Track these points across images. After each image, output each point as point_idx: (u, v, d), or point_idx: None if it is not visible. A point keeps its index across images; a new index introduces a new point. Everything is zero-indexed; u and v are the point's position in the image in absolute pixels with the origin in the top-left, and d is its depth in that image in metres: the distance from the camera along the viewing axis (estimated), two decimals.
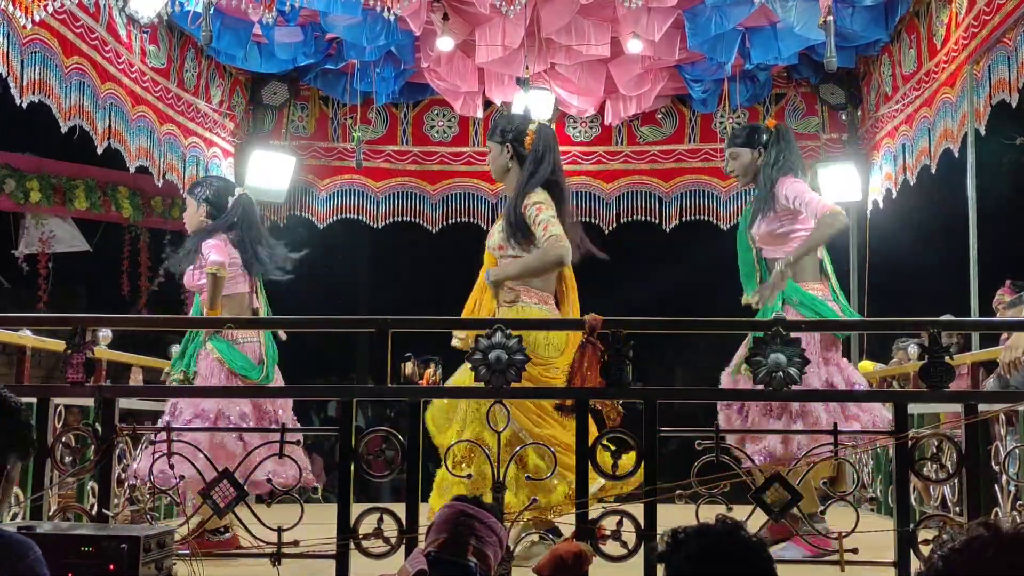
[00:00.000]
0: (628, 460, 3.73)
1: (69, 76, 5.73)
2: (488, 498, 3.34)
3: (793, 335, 3.56)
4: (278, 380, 5.01)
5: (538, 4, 7.27)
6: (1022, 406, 4.41)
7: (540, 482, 3.97)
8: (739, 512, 2.97)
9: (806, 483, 3.97)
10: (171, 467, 3.64)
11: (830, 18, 5.28)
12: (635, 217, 8.96)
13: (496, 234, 4.55)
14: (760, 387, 3.57)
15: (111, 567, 2.72)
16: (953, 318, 6.04)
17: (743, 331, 4.50)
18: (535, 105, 8.01)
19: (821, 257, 4.65)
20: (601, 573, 3.34)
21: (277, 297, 5.46)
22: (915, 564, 3.37)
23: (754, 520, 3.23)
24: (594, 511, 3.47)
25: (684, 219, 8.96)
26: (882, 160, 8.10)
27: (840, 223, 4.44)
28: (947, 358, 3.51)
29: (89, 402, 4.32)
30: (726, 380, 4.59)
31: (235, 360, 4.82)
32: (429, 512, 3.99)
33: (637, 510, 3.44)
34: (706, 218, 8.94)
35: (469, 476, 4.06)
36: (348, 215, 9.03)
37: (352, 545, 3.47)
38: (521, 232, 4.40)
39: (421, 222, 9.04)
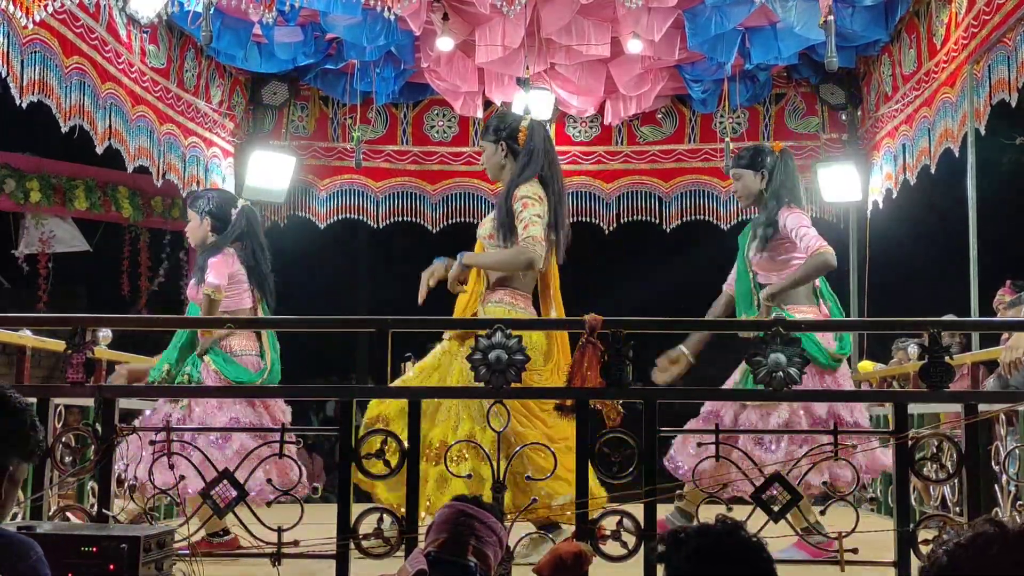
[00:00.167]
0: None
1: (69, 76, 5.73)
2: (484, 496, 3.35)
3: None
4: (280, 405, 5.02)
5: (538, 4, 7.27)
6: (1022, 406, 4.41)
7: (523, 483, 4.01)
8: (739, 512, 2.97)
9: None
10: (171, 467, 3.64)
11: (830, 18, 5.28)
12: (635, 217, 8.96)
13: (487, 223, 4.62)
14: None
15: (111, 567, 2.72)
16: (955, 318, 6.05)
17: (743, 331, 4.51)
18: (535, 105, 8.01)
19: (817, 283, 4.69)
20: (601, 573, 3.34)
21: (277, 296, 5.46)
22: (915, 564, 3.37)
23: (754, 520, 3.23)
24: (594, 511, 3.47)
25: (684, 219, 8.96)
26: (882, 160, 8.10)
27: (827, 265, 4.49)
28: (947, 358, 3.51)
29: (89, 402, 4.32)
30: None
31: (231, 372, 4.82)
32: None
33: (637, 510, 3.44)
34: (706, 218, 8.94)
35: (469, 476, 4.08)
36: (348, 215, 9.03)
37: (352, 545, 3.47)
38: (506, 226, 4.45)
39: (421, 222, 9.04)
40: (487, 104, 8.63)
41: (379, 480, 3.84)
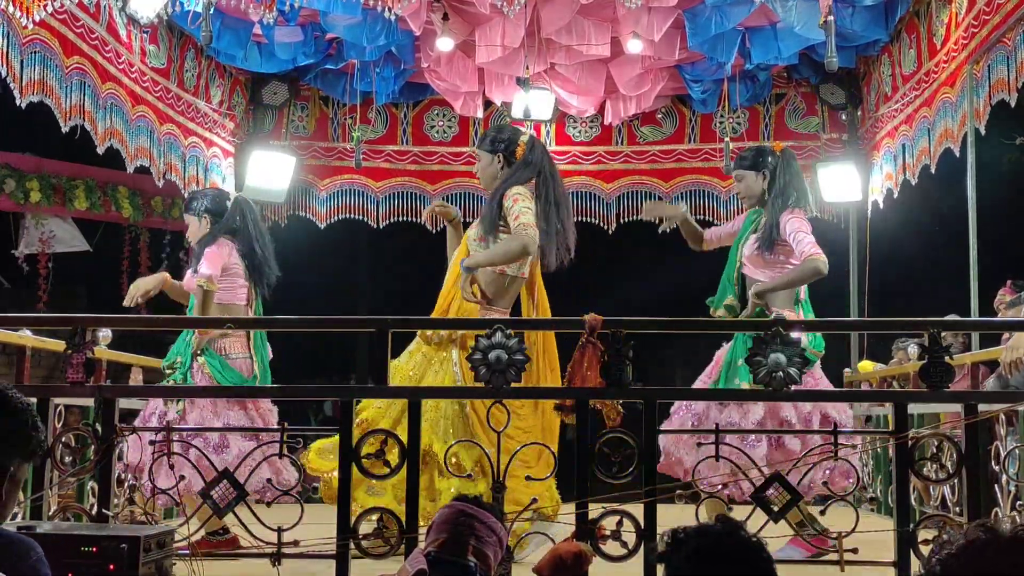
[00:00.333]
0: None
1: (69, 76, 5.73)
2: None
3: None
4: (267, 404, 5.03)
5: (538, 4, 7.27)
6: (1022, 406, 4.41)
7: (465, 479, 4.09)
8: (739, 512, 2.97)
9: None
10: (171, 467, 3.64)
11: (830, 18, 5.28)
12: (635, 217, 8.95)
13: (475, 226, 4.64)
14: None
15: (111, 567, 2.72)
16: (957, 318, 6.05)
17: (743, 331, 4.52)
18: (535, 105, 8.01)
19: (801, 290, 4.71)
20: (601, 573, 3.34)
21: (277, 296, 5.46)
22: (915, 564, 3.37)
23: (754, 520, 3.23)
24: (594, 511, 3.47)
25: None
26: (882, 160, 8.10)
27: (818, 272, 4.50)
28: (947, 358, 3.51)
29: (89, 402, 4.32)
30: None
31: (226, 376, 4.82)
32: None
33: (637, 510, 3.44)
34: (706, 218, 8.93)
35: (470, 475, 4.09)
36: (348, 215, 9.03)
37: (352, 545, 3.47)
38: (492, 222, 4.47)
39: (421, 222, 9.03)
40: (487, 104, 8.64)
41: (379, 480, 3.85)
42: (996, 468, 4.57)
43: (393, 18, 6.60)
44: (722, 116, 8.53)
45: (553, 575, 2.94)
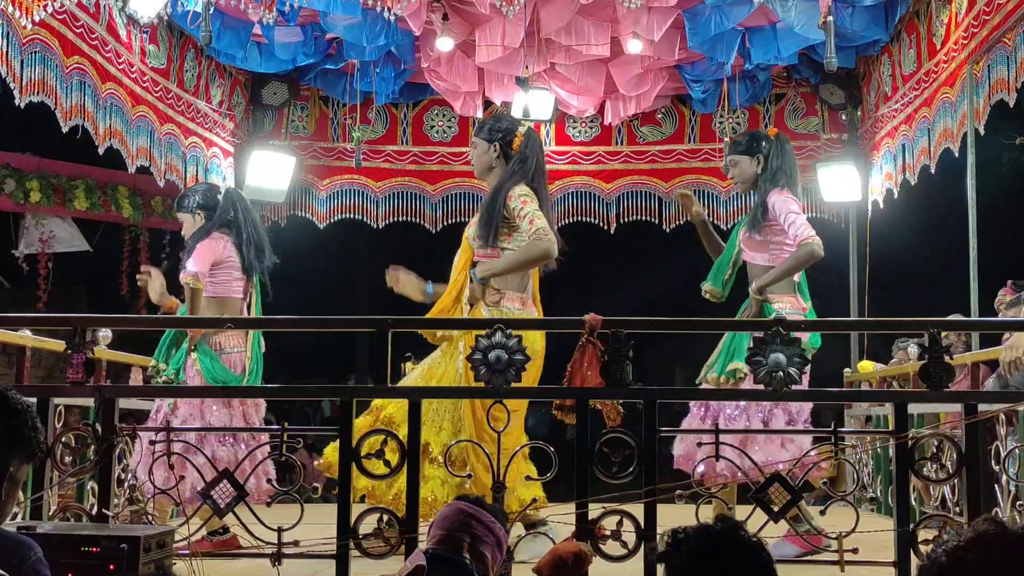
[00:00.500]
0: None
1: (69, 76, 5.73)
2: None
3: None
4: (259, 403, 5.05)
5: (538, 4, 7.27)
6: (1022, 406, 4.41)
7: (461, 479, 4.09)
8: (739, 512, 2.97)
9: None
10: (171, 467, 3.64)
11: (830, 18, 5.28)
12: (635, 217, 8.95)
13: (474, 225, 4.60)
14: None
15: (111, 567, 2.71)
16: (960, 318, 6.05)
17: (743, 331, 4.52)
18: (535, 105, 8.01)
19: (796, 276, 4.73)
20: (601, 573, 3.34)
21: (277, 296, 5.46)
22: (915, 564, 3.37)
23: (754, 520, 3.23)
24: (594, 511, 3.47)
25: (684, 219, 8.94)
26: (882, 160, 8.10)
27: (813, 256, 4.54)
28: (947, 358, 3.51)
29: (89, 402, 4.32)
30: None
31: (216, 373, 4.82)
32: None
33: (637, 510, 3.44)
34: (707, 218, 8.93)
35: (470, 476, 4.09)
36: (348, 215, 9.03)
37: (352, 545, 3.47)
38: (495, 221, 4.44)
39: (421, 222, 9.04)
40: (487, 104, 8.63)
41: (379, 479, 3.85)
42: (996, 468, 4.57)
43: (393, 18, 6.60)
44: (722, 116, 8.53)
45: (553, 575, 2.94)
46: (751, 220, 4.73)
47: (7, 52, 5.09)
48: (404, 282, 4.76)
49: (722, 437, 3.60)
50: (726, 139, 8.32)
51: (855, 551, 3.40)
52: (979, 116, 5.99)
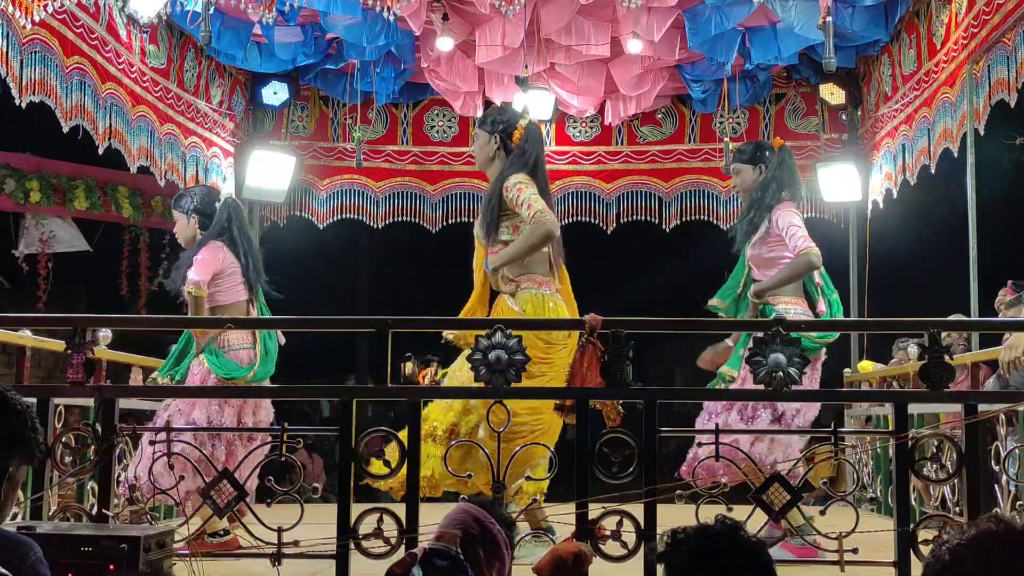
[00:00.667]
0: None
1: (69, 76, 5.73)
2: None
3: None
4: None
5: (538, 4, 7.27)
6: (1022, 406, 4.41)
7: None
8: (739, 512, 2.97)
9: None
10: (171, 467, 3.64)
11: (829, 19, 5.28)
12: (635, 217, 8.96)
13: (479, 223, 4.64)
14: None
15: (111, 567, 2.71)
16: (961, 318, 6.05)
17: (743, 331, 4.52)
18: (535, 105, 8.02)
19: (818, 280, 4.73)
20: (601, 573, 3.34)
21: (277, 296, 5.46)
22: (915, 564, 3.37)
23: (754, 521, 3.22)
24: (594, 511, 3.47)
25: (684, 219, 8.97)
26: (882, 160, 8.10)
27: (811, 266, 4.57)
28: (947, 358, 3.50)
29: (89, 402, 4.32)
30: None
31: (222, 368, 4.83)
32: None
33: (637, 510, 3.44)
34: (706, 218, 8.95)
35: (469, 476, 4.09)
36: (348, 215, 9.03)
37: (352, 545, 3.47)
38: (495, 213, 4.46)
39: (421, 222, 9.05)
40: (487, 104, 8.63)
41: (381, 480, 3.85)
42: (996, 468, 4.57)
43: (393, 18, 6.60)
44: (722, 116, 8.54)
45: (553, 575, 2.94)
46: (756, 230, 4.72)
47: (7, 52, 5.10)
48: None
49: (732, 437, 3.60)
50: (726, 139, 8.33)
51: (855, 551, 3.40)
52: (979, 116, 5.99)
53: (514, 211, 4.48)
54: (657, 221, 8.96)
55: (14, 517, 3.70)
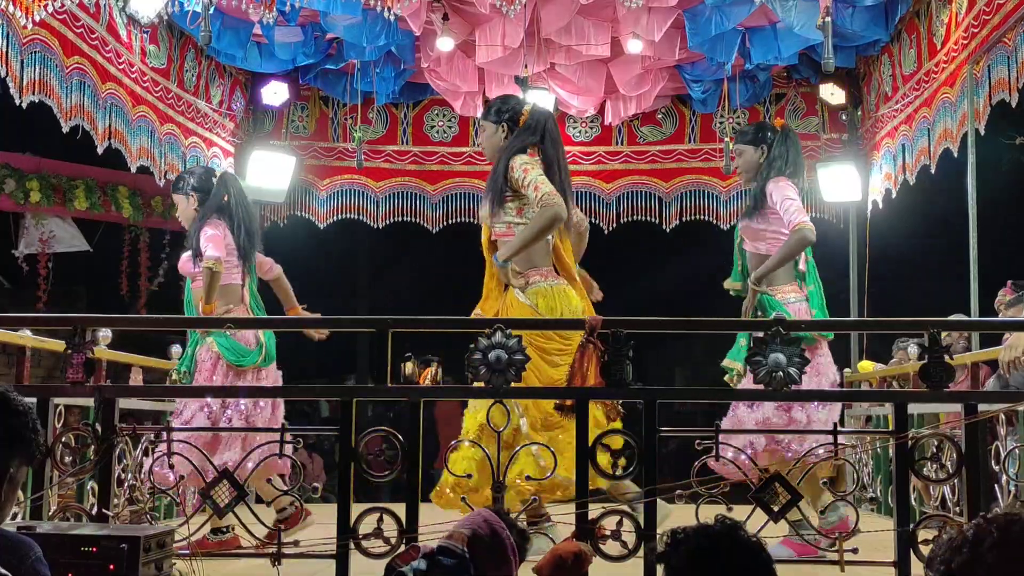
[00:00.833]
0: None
1: (69, 76, 5.73)
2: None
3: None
4: (274, 375, 5.04)
5: (538, 4, 7.27)
6: (1022, 406, 4.41)
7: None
8: (739, 512, 2.97)
9: (812, 476, 4.01)
10: (171, 467, 3.65)
11: (827, 19, 5.27)
12: (635, 217, 8.96)
13: (484, 205, 4.60)
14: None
15: (111, 567, 2.71)
16: (961, 318, 6.05)
17: (743, 331, 4.52)
18: None
19: (802, 267, 4.72)
20: (601, 573, 3.34)
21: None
22: (916, 564, 3.37)
23: (754, 520, 3.22)
24: (594, 511, 3.47)
25: (684, 219, 8.96)
26: (882, 160, 8.10)
27: (806, 241, 4.52)
28: (947, 358, 3.50)
29: (89, 402, 4.32)
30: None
31: (232, 351, 4.83)
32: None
33: (637, 510, 3.44)
34: (706, 218, 8.94)
35: (469, 476, 4.09)
36: (348, 215, 9.03)
37: (352, 545, 3.47)
38: (499, 192, 4.44)
39: (421, 222, 9.04)
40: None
41: (381, 480, 3.85)
42: (996, 468, 4.57)
43: (393, 18, 6.60)
44: (722, 116, 8.54)
45: (553, 575, 2.95)
46: (749, 208, 4.74)
47: (7, 52, 5.10)
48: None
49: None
50: (726, 139, 8.33)
51: (855, 551, 3.40)
52: (979, 116, 5.99)
53: (521, 192, 4.45)
54: (657, 221, 8.96)
55: (14, 517, 3.70)
